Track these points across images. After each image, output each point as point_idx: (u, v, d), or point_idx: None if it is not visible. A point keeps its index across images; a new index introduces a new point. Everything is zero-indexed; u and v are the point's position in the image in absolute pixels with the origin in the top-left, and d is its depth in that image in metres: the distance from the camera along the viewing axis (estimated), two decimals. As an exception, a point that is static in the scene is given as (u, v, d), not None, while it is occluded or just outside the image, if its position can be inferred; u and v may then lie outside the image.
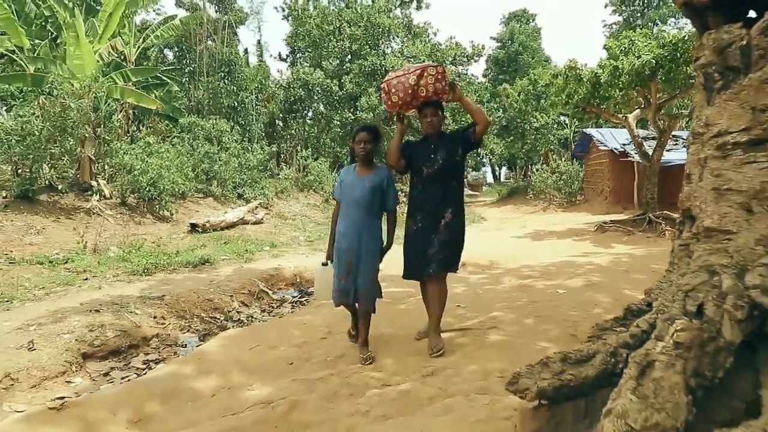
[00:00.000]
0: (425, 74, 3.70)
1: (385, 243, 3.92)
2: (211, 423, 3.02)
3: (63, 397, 3.79)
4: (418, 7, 31.73)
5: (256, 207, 13.09)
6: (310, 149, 21.32)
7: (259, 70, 22.25)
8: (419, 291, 4.13)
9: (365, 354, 3.76)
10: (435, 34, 26.45)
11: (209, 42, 21.24)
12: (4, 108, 13.26)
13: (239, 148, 14.92)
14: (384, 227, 3.95)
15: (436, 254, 3.76)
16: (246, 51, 26.39)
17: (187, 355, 4.44)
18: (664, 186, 16.31)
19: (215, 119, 16.10)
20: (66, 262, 7.39)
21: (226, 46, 20.88)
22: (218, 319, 5.74)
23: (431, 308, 3.92)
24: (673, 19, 35.77)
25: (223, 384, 3.64)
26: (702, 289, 1.30)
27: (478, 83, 30.01)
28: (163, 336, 5.02)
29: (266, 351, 4.15)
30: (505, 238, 12.33)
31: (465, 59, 29.19)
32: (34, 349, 4.20)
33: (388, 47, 25.74)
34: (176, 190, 11.77)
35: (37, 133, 9.95)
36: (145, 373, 4.09)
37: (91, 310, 5.11)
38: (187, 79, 20.73)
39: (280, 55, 30.59)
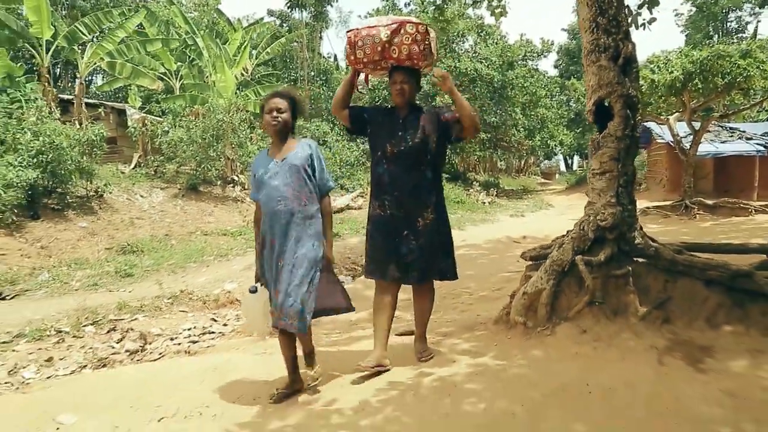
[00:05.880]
0: (402, 31, 3.10)
1: (324, 245, 3.04)
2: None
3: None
4: (489, 3, 33.66)
5: (357, 196, 16.07)
6: (392, 145, 24.10)
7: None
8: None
9: (312, 373, 3.15)
10: (504, 36, 28.34)
11: (307, 53, 24.53)
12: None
13: (339, 146, 18.02)
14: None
15: (417, 261, 3.24)
16: (335, 58, 29.53)
17: (350, 282, 7.38)
18: (719, 175, 17.91)
19: (317, 122, 19.28)
20: (241, 234, 10.60)
21: (323, 57, 24.05)
22: (357, 269, 8.67)
23: (418, 315, 3.49)
24: (748, 5, 35.62)
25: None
26: (584, 221, 3.88)
27: (548, 77, 31.73)
28: (327, 276, 7.99)
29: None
30: (565, 221, 14.63)
31: (535, 55, 30.96)
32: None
33: (461, 48, 28.03)
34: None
35: (200, 141, 13.34)
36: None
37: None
38: (288, 85, 24.08)
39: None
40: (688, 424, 2.48)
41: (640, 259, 3.94)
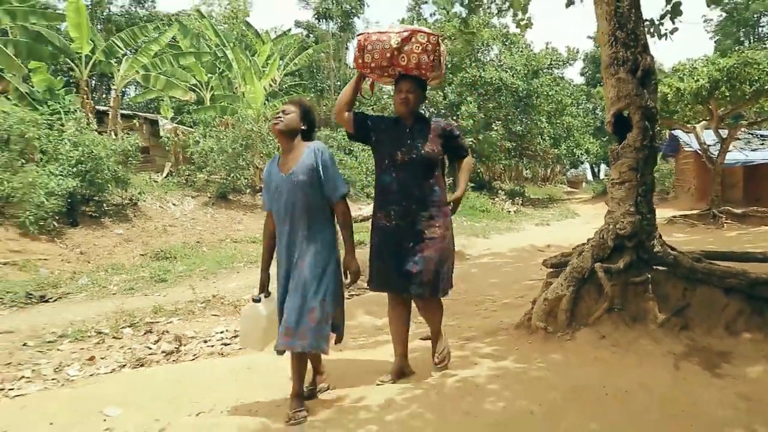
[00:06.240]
0: (413, 39, 3.11)
1: (343, 256, 2.99)
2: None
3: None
4: (515, 15, 33.70)
5: (382, 204, 16.30)
6: (417, 153, 24.28)
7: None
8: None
9: (294, 410, 2.83)
10: (529, 45, 28.33)
11: (333, 63, 24.96)
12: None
13: (365, 155, 18.27)
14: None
15: (420, 273, 3.13)
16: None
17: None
18: (749, 183, 17.64)
19: (344, 131, 19.57)
20: (269, 242, 10.87)
21: (349, 67, 24.42)
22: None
23: (429, 324, 3.50)
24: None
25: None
26: (604, 229, 3.99)
27: (574, 86, 31.59)
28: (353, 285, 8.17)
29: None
30: (589, 230, 14.56)
31: (560, 63, 30.87)
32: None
33: (486, 57, 28.10)
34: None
35: (229, 150, 13.70)
36: (358, 296, 7.25)
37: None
38: (315, 95, 24.51)
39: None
40: (702, 425, 2.58)
41: (660, 267, 4.03)
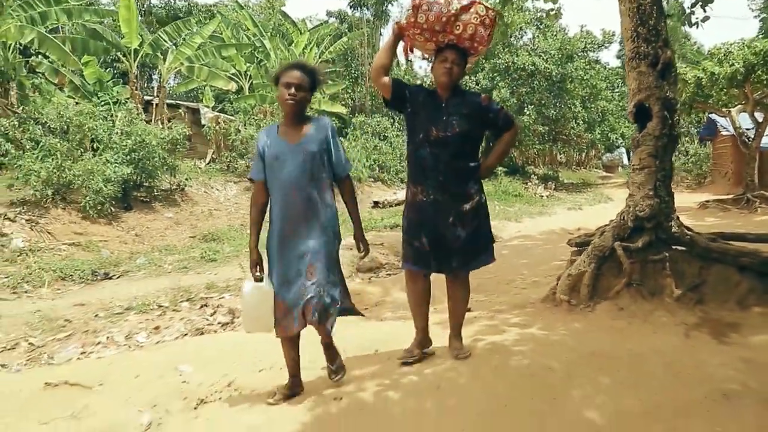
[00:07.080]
0: (472, 9, 2.99)
1: (354, 231, 3.06)
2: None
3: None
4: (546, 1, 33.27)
5: (415, 189, 16.70)
6: (450, 139, 24.50)
7: (407, 70, 25.88)
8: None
9: (338, 377, 3.14)
10: (564, 29, 28.03)
11: (367, 50, 25.29)
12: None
13: (400, 141, 18.67)
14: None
15: (462, 248, 3.12)
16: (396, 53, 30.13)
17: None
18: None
19: (378, 117, 19.99)
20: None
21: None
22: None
23: (454, 308, 3.36)
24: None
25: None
26: (624, 212, 4.32)
27: (609, 69, 31.15)
28: (389, 264, 8.64)
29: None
30: (622, 214, 14.75)
31: (596, 47, 30.41)
32: (331, 265, 7.95)
33: (519, 42, 27.91)
34: (359, 176, 15.72)
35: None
36: (395, 275, 7.72)
37: (346, 249, 8.84)
38: (349, 82, 24.92)
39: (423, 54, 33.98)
40: (703, 382, 2.93)
41: (677, 247, 4.34)
